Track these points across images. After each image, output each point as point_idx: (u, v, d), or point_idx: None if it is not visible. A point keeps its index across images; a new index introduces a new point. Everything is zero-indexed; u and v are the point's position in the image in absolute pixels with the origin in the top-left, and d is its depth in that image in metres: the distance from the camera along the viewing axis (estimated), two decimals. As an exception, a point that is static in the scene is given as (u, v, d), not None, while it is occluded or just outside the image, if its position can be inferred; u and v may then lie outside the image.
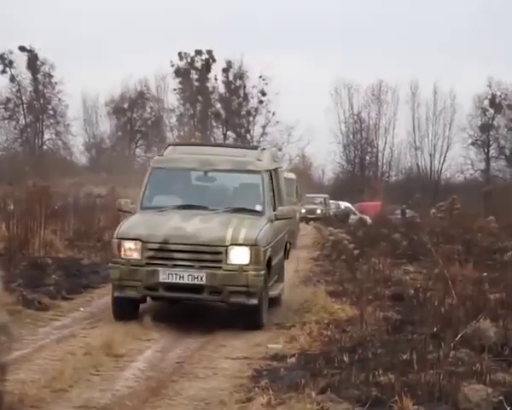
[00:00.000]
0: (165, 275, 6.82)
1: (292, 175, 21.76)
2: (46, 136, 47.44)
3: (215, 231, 6.93)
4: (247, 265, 6.82)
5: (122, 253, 6.92)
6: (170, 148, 8.13)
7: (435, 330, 5.92)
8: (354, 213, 33.95)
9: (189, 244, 6.83)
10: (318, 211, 29.75)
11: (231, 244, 6.85)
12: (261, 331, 7.06)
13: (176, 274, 6.80)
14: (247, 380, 5.24)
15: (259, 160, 7.78)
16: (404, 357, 5.29)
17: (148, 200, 7.57)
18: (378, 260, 10.13)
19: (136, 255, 6.88)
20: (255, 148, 8.66)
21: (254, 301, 6.84)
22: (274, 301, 7.77)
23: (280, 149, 47.12)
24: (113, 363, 5.60)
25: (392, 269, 10.71)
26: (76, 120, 47.20)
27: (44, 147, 47.10)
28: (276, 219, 7.59)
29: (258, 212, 7.43)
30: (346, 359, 5.45)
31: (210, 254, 6.83)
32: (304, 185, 35.08)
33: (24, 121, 47.05)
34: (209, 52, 47.87)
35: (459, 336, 5.61)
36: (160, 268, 6.83)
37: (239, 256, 6.82)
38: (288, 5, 62.59)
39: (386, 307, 7.51)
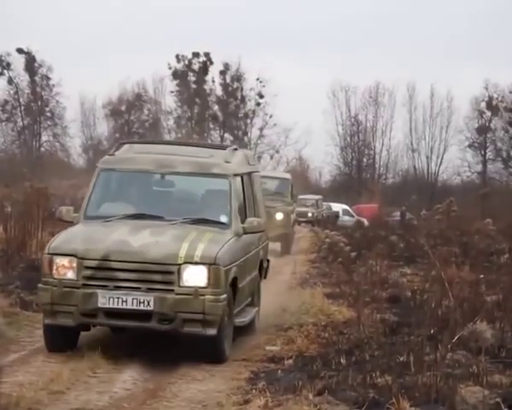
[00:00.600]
0: (106, 299, 5.59)
1: (286, 175, 20.38)
2: (44, 138, 47.47)
3: (167, 246, 5.72)
4: (204, 288, 5.61)
5: (54, 271, 5.70)
6: (125, 146, 6.78)
7: (432, 332, 5.93)
8: (351, 216, 34.03)
9: (135, 262, 5.63)
10: (309, 214, 28.32)
11: (185, 263, 5.62)
12: (259, 333, 7.06)
13: (118, 298, 5.58)
14: (244, 382, 5.25)
15: (228, 162, 6.53)
16: (401, 359, 5.31)
17: (93, 208, 6.32)
18: (375, 263, 10.14)
19: (70, 275, 5.67)
20: (224, 147, 7.08)
21: (212, 332, 5.64)
22: (246, 328, 6.62)
23: (277, 152, 47.23)
24: (110, 365, 5.60)
25: (389, 271, 10.73)
26: (73, 122, 47.21)
27: (42, 149, 47.06)
28: (245, 233, 6.33)
29: (222, 224, 6.21)
30: (343, 361, 5.47)
31: (159, 274, 5.62)
32: (301, 187, 35.12)
33: (22, 123, 47.02)
34: (206, 54, 47.91)
35: (456, 338, 5.63)
36: (98, 291, 5.61)
37: (194, 277, 5.62)
38: (285, 8, 62.73)
39: (384, 310, 7.52)
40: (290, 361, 5.72)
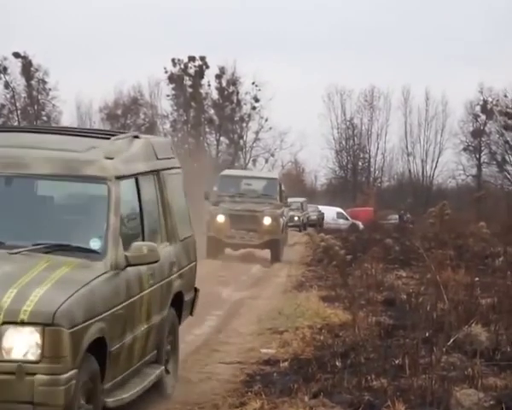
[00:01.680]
0: None
1: (274, 175, 19.66)
2: (41, 142, 47.30)
3: None
4: (33, 362, 3.56)
5: None
6: None
7: (427, 334, 5.94)
8: (346, 219, 34.08)
9: None
10: (296, 218, 27.61)
11: (4, 323, 3.58)
12: (254, 336, 7.07)
13: None
14: (240, 385, 5.25)
15: (110, 157, 4.38)
16: (397, 362, 5.32)
17: None
18: (370, 266, 10.16)
19: None
20: (109, 136, 4.71)
21: None
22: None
23: (273, 155, 47.28)
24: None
25: (385, 274, 10.75)
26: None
27: (38, 153, 46.92)
28: (129, 266, 4.15)
29: (93, 252, 4.11)
30: (338, 363, 5.47)
31: None
32: (296, 191, 35.14)
33: (18, 127, 46.98)
34: (202, 58, 47.98)
35: (451, 340, 5.64)
36: None
37: (19, 346, 3.58)
38: (281, 12, 62.88)
39: (379, 312, 7.54)
40: (286, 364, 5.73)
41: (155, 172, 4.89)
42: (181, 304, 5.13)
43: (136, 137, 4.88)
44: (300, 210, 28.90)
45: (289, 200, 27.50)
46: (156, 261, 4.31)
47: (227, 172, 18.10)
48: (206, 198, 15.47)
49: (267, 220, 15.11)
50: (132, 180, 4.55)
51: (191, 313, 5.52)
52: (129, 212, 4.48)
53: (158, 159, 4.97)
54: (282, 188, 16.91)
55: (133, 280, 4.30)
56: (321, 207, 34.72)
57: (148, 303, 4.49)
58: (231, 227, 15.03)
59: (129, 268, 4.21)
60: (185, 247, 5.21)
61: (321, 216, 32.70)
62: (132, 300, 4.27)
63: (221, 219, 15.08)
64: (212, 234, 14.89)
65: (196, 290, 5.53)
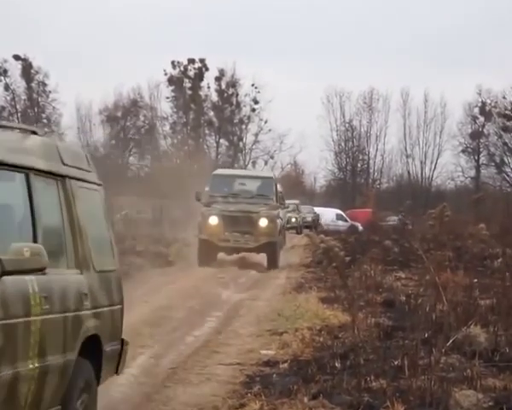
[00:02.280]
0: None
1: (269, 174, 18.36)
2: (41, 144, 47.37)
3: None
4: None
5: None
6: None
7: (426, 335, 5.96)
8: (345, 220, 34.08)
9: None
10: (293, 219, 27.33)
11: None
12: (254, 338, 7.08)
13: None
14: (239, 386, 5.26)
15: None
16: (396, 363, 5.34)
17: None
18: (370, 267, 10.18)
19: None
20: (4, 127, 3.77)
21: None
22: None
23: (272, 157, 47.30)
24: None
25: (384, 276, 10.77)
26: (70, 129, 47.24)
27: (38, 155, 47.01)
28: (5, 274, 3.09)
29: None
30: (338, 365, 5.49)
31: None
32: (296, 193, 35.11)
33: (18, 130, 47.04)
34: (202, 61, 48.00)
35: (450, 341, 5.65)
36: None
37: None
38: (280, 14, 62.93)
39: (378, 314, 7.56)
40: (285, 365, 5.74)
41: (59, 178, 3.82)
42: (99, 355, 3.95)
43: (35, 133, 3.83)
44: (297, 211, 28.59)
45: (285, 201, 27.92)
46: (42, 269, 3.23)
47: (219, 171, 16.86)
48: (197, 199, 14.36)
49: (263, 222, 13.95)
50: (21, 175, 3.48)
51: (117, 371, 4.30)
52: (13, 209, 3.50)
53: (64, 164, 3.89)
54: (279, 188, 15.79)
55: (13, 295, 3.17)
56: (320, 209, 34.70)
57: (40, 334, 3.33)
58: (225, 230, 13.91)
59: (6, 279, 3.09)
60: (105, 282, 4.07)
61: (316, 217, 32.62)
62: (10, 322, 3.13)
63: (214, 220, 13.95)
64: (204, 237, 13.81)
65: (124, 343, 4.35)
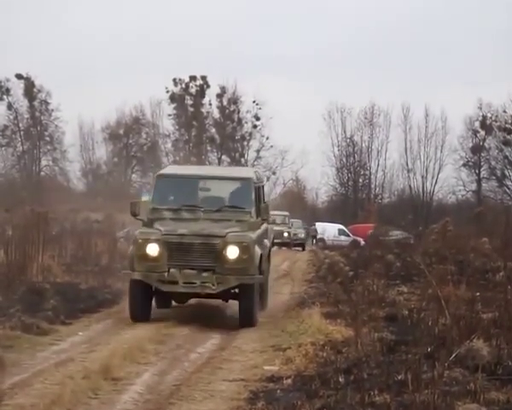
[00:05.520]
0: None
1: (248, 173, 9.82)
2: (43, 162, 47.67)
3: None
4: None
5: None
6: None
7: (429, 350, 5.97)
8: (347, 235, 34.11)
9: None
10: (285, 234, 23.31)
11: None
12: (257, 354, 7.11)
13: None
14: (243, 402, 5.27)
15: None
16: (399, 377, 5.34)
17: None
18: (372, 282, 10.20)
19: None
20: None
21: None
22: None
23: (274, 173, 47.38)
24: (111, 386, 5.63)
25: (386, 290, 10.78)
26: (72, 147, 47.46)
27: (42, 173, 47.27)
28: None
29: None
30: (341, 380, 5.50)
31: None
32: (298, 208, 35.14)
33: (21, 148, 47.29)
34: (203, 78, 48.32)
35: (453, 355, 5.67)
36: None
37: None
38: (281, 31, 63.35)
39: (381, 328, 7.56)
40: (289, 381, 5.75)
41: None
42: None
43: None
44: (287, 225, 24.88)
45: (273, 213, 19.90)
46: None
47: (168, 170, 10.42)
48: (132, 214, 9.01)
49: (232, 252, 8.45)
50: None
51: None
52: None
53: None
54: (265, 193, 10.21)
55: None
56: (322, 224, 34.72)
57: None
58: (170, 264, 8.47)
59: None
60: None
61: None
62: None
63: (153, 250, 8.48)
64: (137, 277, 8.52)
65: None
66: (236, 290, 8.72)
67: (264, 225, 9.78)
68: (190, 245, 8.56)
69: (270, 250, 10.43)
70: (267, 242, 9.88)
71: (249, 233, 8.77)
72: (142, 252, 8.60)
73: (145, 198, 10.36)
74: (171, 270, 8.54)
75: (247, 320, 8.62)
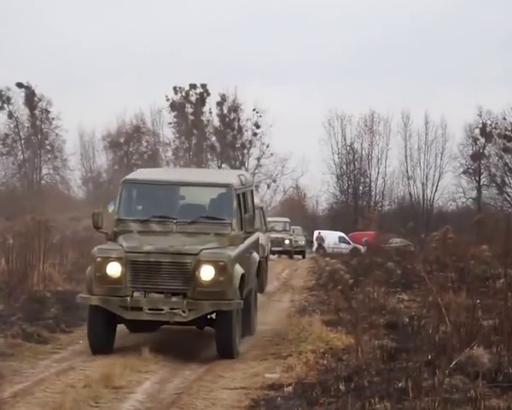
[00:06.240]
0: None
1: (227, 177, 8.33)
2: (44, 171, 47.80)
3: None
4: None
5: None
6: None
7: (430, 357, 5.98)
8: (348, 243, 34.14)
9: None
10: (287, 241, 22.45)
11: None
12: (258, 361, 7.11)
13: None
14: (245, 410, 5.31)
15: None
16: (400, 385, 5.35)
17: None
18: (373, 289, 10.20)
19: None
20: None
21: None
22: None
23: (274, 181, 47.46)
24: (112, 395, 5.64)
25: (387, 298, 10.79)
26: (73, 155, 47.60)
27: (42, 182, 47.38)
28: None
29: None
30: (342, 387, 5.51)
31: None
32: (298, 216, 35.16)
33: (22, 157, 47.44)
34: (203, 86, 48.47)
35: (453, 363, 5.67)
36: None
37: None
38: (281, 38, 63.59)
39: (382, 336, 7.57)
40: (290, 388, 5.76)
41: None
42: None
43: None
44: (289, 232, 23.56)
45: (273, 219, 20.32)
46: None
47: (136, 174, 8.59)
48: (95, 226, 7.80)
49: (207, 272, 7.18)
50: None
51: None
52: None
53: None
54: (256, 200, 9.07)
55: None
56: (323, 232, 34.73)
57: None
58: (134, 287, 7.19)
59: None
60: None
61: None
62: None
63: (114, 270, 7.20)
64: (95, 302, 7.23)
65: None
66: (213, 316, 7.33)
67: (255, 236, 8.51)
68: (158, 264, 7.18)
69: (267, 259, 9.23)
70: (256, 256, 8.45)
71: (227, 250, 7.35)
72: (101, 273, 7.18)
73: (112, 208, 8.42)
74: (135, 294, 7.15)
75: (223, 351, 7.29)
